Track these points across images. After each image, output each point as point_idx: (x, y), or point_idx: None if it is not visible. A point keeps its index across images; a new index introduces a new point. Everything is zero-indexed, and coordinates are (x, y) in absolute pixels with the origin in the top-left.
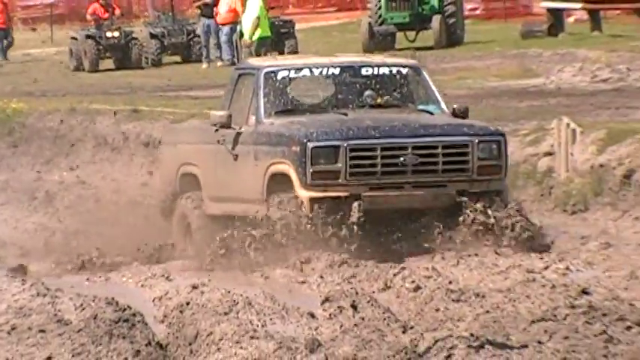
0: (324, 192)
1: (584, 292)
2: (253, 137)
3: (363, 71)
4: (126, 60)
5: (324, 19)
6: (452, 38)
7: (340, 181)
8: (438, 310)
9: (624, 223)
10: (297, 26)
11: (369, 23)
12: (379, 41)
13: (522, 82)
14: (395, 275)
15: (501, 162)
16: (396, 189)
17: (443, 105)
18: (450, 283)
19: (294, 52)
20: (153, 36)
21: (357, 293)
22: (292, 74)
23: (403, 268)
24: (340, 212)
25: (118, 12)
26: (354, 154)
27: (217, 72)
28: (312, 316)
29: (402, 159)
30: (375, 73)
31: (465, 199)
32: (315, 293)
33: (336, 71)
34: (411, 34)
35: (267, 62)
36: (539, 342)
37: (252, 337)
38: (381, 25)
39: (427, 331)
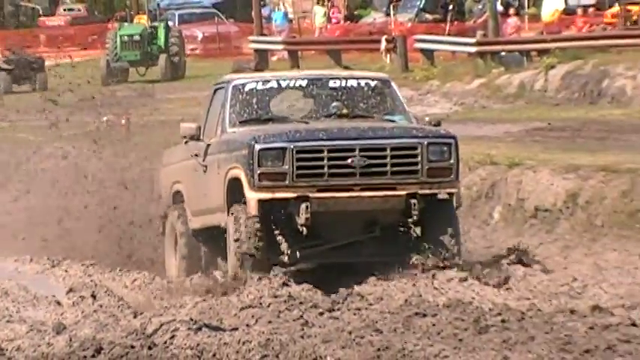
0: (272, 193)
1: (285, 284)
2: (217, 147)
3: (331, 83)
4: None
5: (69, 57)
6: (175, 73)
7: (287, 182)
8: (162, 299)
9: None
10: (47, 62)
11: (107, 60)
12: (115, 75)
13: None
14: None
15: (452, 164)
16: (345, 191)
17: (411, 116)
18: (170, 282)
19: (45, 84)
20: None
21: (96, 285)
22: (260, 86)
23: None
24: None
25: None
26: (300, 155)
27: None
28: (59, 303)
29: (349, 161)
30: (343, 85)
31: (414, 201)
32: (61, 284)
33: (304, 83)
34: (142, 69)
35: (238, 76)
36: (248, 325)
37: (7, 321)
38: (116, 61)
39: (154, 316)
